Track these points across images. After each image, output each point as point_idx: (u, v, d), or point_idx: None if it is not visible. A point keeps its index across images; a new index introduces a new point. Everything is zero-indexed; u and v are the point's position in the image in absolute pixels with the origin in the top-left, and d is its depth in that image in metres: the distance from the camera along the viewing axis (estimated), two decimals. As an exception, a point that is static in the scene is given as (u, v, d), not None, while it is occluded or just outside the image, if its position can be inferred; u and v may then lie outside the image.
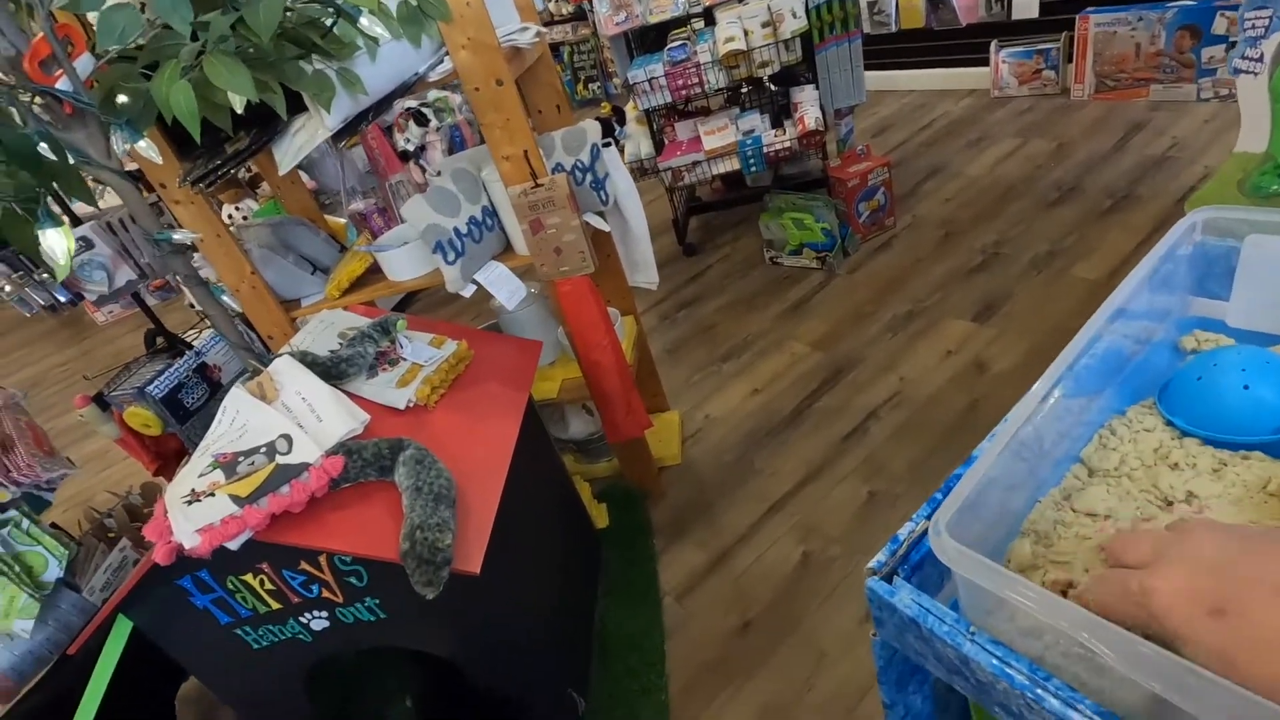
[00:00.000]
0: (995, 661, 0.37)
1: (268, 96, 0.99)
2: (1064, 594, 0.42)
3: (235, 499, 0.97)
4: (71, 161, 0.86)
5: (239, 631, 1.19)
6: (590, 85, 5.90)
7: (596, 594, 1.65)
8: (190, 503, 0.98)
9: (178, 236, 0.99)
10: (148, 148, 0.92)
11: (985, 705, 0.40)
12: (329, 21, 0.95)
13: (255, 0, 0.80)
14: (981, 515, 0.46)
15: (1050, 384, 0.49)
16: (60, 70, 0.88)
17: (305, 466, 1.02)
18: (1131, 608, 0.34)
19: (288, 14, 0.87)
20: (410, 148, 3.19)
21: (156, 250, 1.03)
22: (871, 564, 0.44)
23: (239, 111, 0.94)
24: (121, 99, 0.94)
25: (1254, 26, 0.77)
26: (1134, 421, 0.53)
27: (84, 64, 0.90)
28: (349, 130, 1.33)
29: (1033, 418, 0.49)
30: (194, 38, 0.88)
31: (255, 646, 1.21)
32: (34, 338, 5.22)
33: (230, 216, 3.08)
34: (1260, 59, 0.79)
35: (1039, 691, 0.35)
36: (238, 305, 1.14)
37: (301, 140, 1.32)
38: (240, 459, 1.04)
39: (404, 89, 1.33)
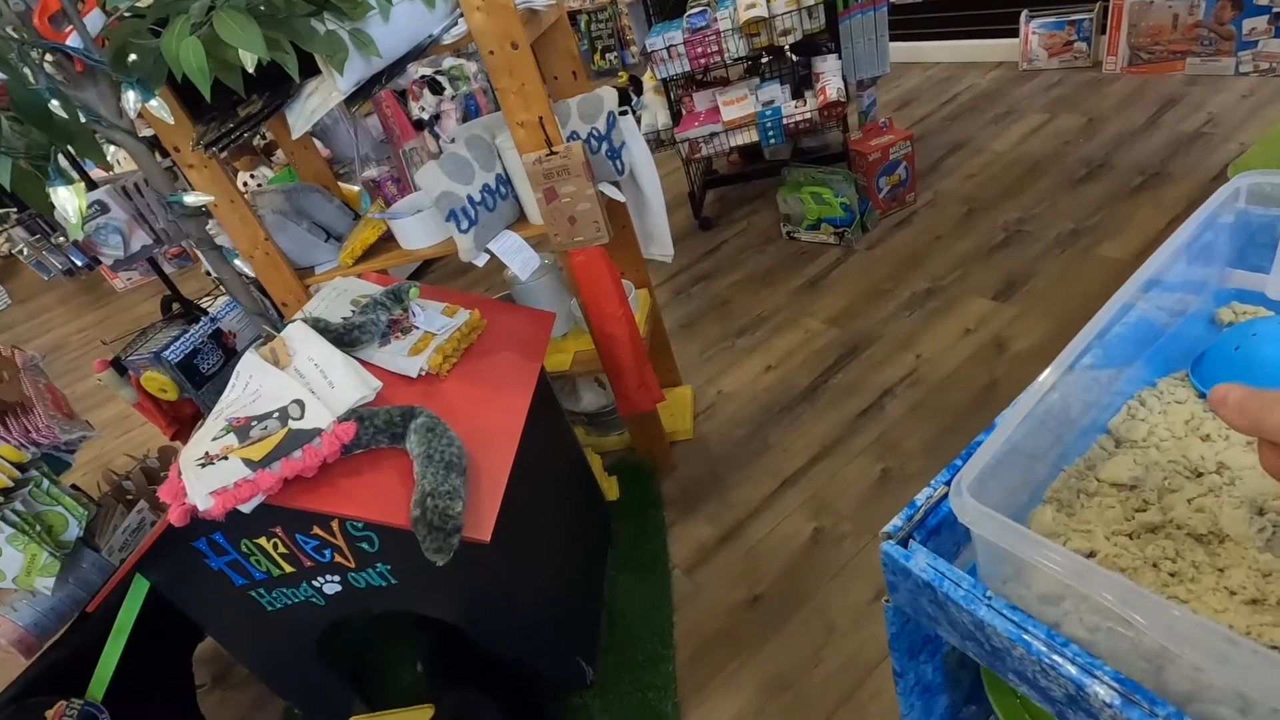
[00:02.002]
0: (1012, 627, 0.36)
1: (279, 56, 0.98)
2: (1086, 565, 0.41)
3: (248, 462, 0.98)
4: (83, 120, 0.85)
5: (253, 594, 1.21)
6: (607, 55, 5.81)
7: (606, 565, 1.66)
8: (204, 465, 0.99)
9: (190, 199, 0.99)
10: (159, 107, 0.91)
11: (1000, 672, 0.39)
12: (340, -23, 0.93)
13: (265, -47, 0.78)
14: (1003, 482, 0.45)
15: (1077, 353, 0.48)
16: (70, 26, 0.87)
17: (318, 432, 1.02)
18: None
19: (298, -32, 0.85)
20: (425, 116, 3.17)
21: (170, 213, 1.03)
22: (887, 528, 0.43)
23: (250, 70, 0.93)
24: (132, 57, 0.93)
25: None
26: (1165, 393, 0.51)
27: (94, 20, 0.89)
28: (362, 94, 1.31)
29: (1058, 386, 0.48)
30: (204, -6, 0.87)
31: (269, 608, 1.23)
32: (54, 303, 5.30)
33: (245, 184, 3.08)
34: None
35: (1055, 658, 0.34)
36: (251, 271, 1.13)
37: (315, 103, 1.31)
38: (254, 423, 1.05)
39: (418, 51, 1.31)
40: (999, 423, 0.45)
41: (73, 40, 0.87)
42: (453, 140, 1.55)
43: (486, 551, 1.04)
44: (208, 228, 1.39)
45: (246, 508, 0.98)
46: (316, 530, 1.10)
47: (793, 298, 2.45)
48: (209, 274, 3.09)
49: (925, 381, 1.93)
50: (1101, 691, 0.33)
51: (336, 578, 1.18)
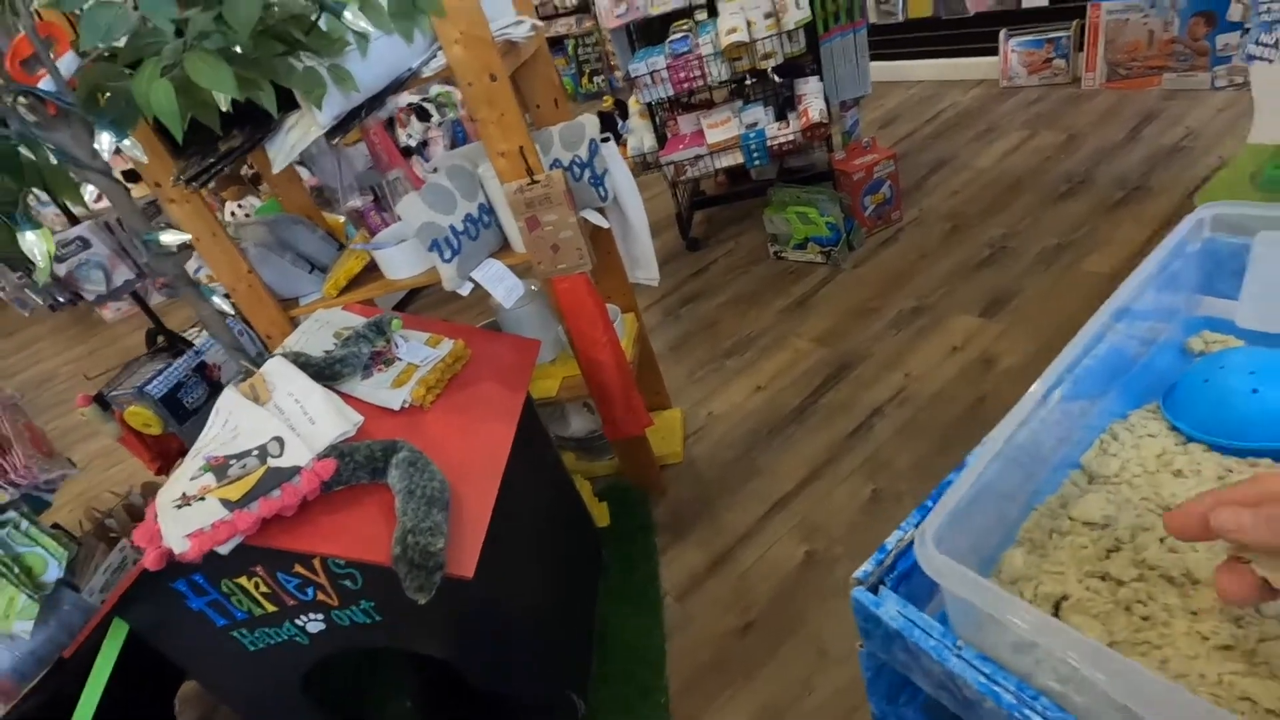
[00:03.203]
0: (982, 679, 0.36)
1: (255, 94, 0.98)
2: (1057, 607, 0.40)
3: (226, 503, 0.97)
4: (55, 163, 0.85)
5: (235, 634, 1.18)
6: (595, 78, 5.87)
7: (596, 594, 1.64)
8: (180, 507, 0.97)
9: (165, 238, 0.98)
10: (132, 146, 0.91)
11: (973, 725, 0.38)
12: (313, 17, 0.93)
13: (235, -4, 0.78)
14: (975, 523, 0.45)
15: (1047, 387, 0.47)
16: (43, 70, 0.87)
17: (297, 470, 1.01)
18: None
19: (271, 9, 0.86)
20: (412, 143, 3.19)
21: (147, 251, 1.02)
22: (857, 574, 0.43)
23: (225, 109, 0.93)
24: (107, 95, 0.93)
25: (1269, 10, 0.74)
26: (1136, 426, 0.50)
27: (67, 63, 0.89)
28: (342, 127, 1.31)
29: (1028, 422, 0.47)
30: (179, 34, 0.87)
31: (252, 649, 1.20)
32: (45, 334, 5.27)
33: (233, 213, 3.08)
34: (1276, 45, 0.76)
35: (1026, 711, 0.34)
36: (228, 307, 1.13)
37: (295, 138, 1.31)
38: (232, 462, 1.04)
39: (397, 85, 1.31)
40: (969, 462, 0.44)
41: (45, 83, 0.87)
42: (435, 170, 1.55)
43: (472, 586, 1.02)
44: (190, 261, 1.38)
45: (224, 549, 0.96)
46: (298, 569, 1.08)
47: (781, 317, 2.46)
48: (197, 304, 3.08)
49: (914, 400, 1.93)
50: (1072, 747, 0.32)
51: (320, 616, 1.16)
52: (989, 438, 0.44)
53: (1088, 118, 3.02)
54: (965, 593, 0.34)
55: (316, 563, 1.07)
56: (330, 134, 1.30)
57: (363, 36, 1.06)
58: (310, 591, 1.12)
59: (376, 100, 1.30)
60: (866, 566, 0.43)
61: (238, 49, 0.92)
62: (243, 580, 1.10)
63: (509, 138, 1.33)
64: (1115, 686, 0.28)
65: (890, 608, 0.40)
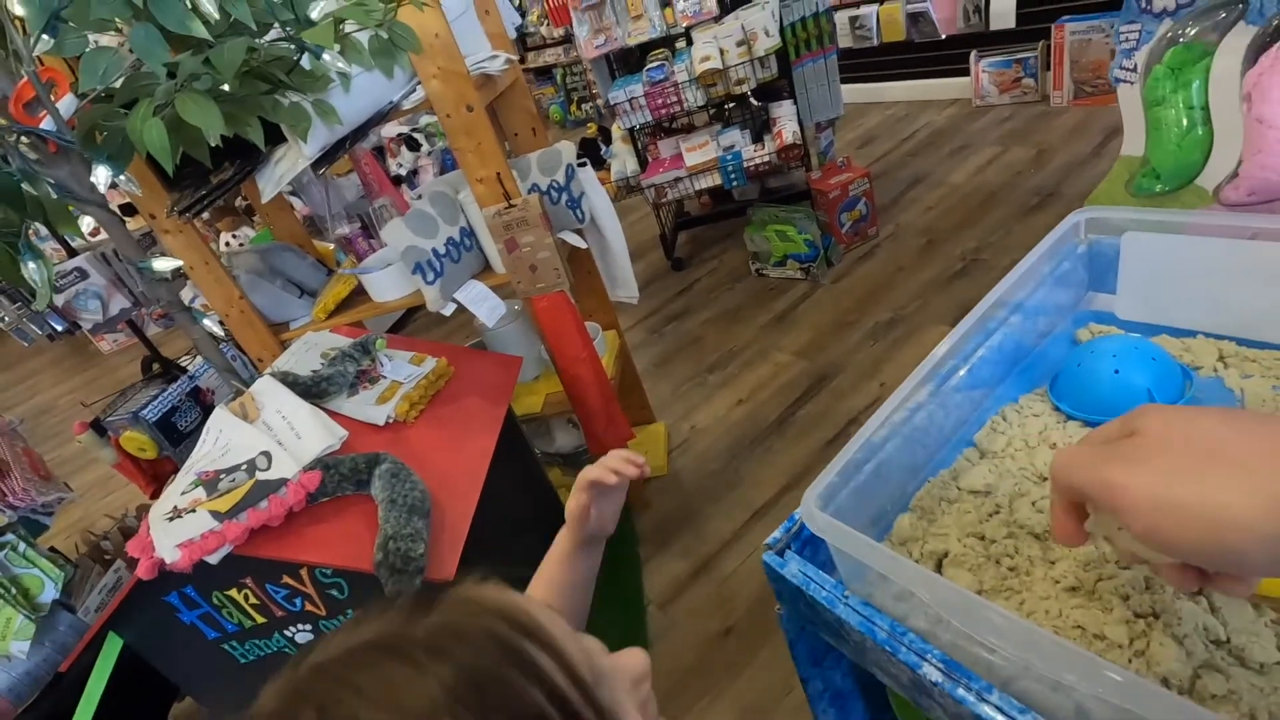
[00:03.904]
0: (863, 621, 0.41)
1: (243, 130, 1.04)
2: (939, 563, 0.46)
3: (215, 514, 1.01)
4: (54, 197, 0.91)
5: (226, 646, 1.22)
6: (583, 105, 6.00)
7: (582, 604, 1.67)
8: (172, 519, 1.02)
9: (159, 265, 1.04)
10: (127, 181, 0.97)
11: (866, 666, 0.43)
12: (295, 58, 1.01)
13: (222, 41, 0.85)
14: (877, 494, 0.50)
15: (927, 370, 0.53)
16: (44, 111, 0.94)
17: (283, 482, 1.06)
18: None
19: (255, 53, 0.93)
20: (403, 172, 3.28)
21: (141, 279, 1.09)
22: (768, 540, 0.48)
23: (213, 145, 0.99)
24: (104, 135, 0.99)
25: (1127, 39, 0.83)
26: (1024, 408, 0.56)
27: (67, 104, 0.96)
28: (327, 158, 1.38)
29: (927, 405, 0.53)
30: (170, 76, 0.94)
31: (243, 661, 1.24)
32: (44, 366, 5.32)
33: (228, 243, 3.16)
34: (1134, 69, 0.84)
35: (897, 645, 0.39)
36: (219, 330, 1.19)
37: (283, 169, 1.38)
38: (222, 476, 1.09)
39: (379, 117, 1.39)
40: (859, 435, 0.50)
41: (46, 124, 0.94)
42: (419, 197, 1.62)
43: (452, 592, 1.07)
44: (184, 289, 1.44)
45: (213, 559, 1.01)
46: (286, 579, 1.12)
47: (762, 332, 2.52)
48: (192, 333, 3.13)
49: (889, 408, 1.98)
50: (931, 673, 0.37)
51: (308, 626, 1.20)
52: (873, 417, 0.50)
53: (1057, 133, 3.12)
54: (842, 544, 0.40)
55: (304, 573, 1.11)
56: (317, 164, 1.37)
57: (344, 74, 1.14)
58: (298, 602, 1.16)
59: (360, 132, 1.37)
60: (776, 534, 0.48)
61: (225, 88, 0.99)
62: (233, 592, 1.14)
63: (486, 164, 1.40)
64: (945, 609, 0.34)
65: (793, 567, 0.45)
